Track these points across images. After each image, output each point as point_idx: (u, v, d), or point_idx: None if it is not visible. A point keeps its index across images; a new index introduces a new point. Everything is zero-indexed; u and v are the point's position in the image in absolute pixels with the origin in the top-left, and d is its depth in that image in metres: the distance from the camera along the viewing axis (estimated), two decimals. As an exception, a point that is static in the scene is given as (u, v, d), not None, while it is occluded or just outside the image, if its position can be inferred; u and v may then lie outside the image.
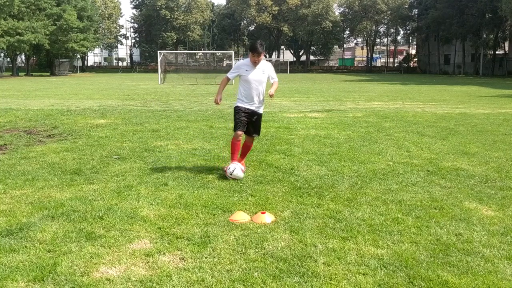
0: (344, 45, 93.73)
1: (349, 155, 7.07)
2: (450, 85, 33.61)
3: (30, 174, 5.80)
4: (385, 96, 21.13)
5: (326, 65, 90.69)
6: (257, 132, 6.00)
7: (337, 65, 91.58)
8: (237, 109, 5.80)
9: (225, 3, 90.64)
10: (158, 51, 41.10)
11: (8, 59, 64.86)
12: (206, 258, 3.38)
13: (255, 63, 5.68)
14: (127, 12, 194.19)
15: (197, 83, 34.60)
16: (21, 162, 6.53)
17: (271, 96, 5.71)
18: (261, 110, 5.94)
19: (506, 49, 63.06)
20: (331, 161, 6.67)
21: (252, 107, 5.80)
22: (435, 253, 3.49)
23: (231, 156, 5.84)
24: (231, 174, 5.52)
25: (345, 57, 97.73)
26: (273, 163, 6.48)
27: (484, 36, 60.51)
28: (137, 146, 7.75)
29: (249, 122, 5.80)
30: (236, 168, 5.53)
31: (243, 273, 3.13)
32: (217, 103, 5.94)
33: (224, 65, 78.00)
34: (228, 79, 5.94)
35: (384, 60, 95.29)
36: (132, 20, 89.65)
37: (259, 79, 5.75)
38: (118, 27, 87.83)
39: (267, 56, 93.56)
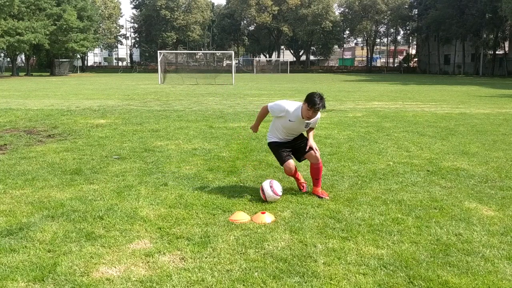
0: (344, 45, 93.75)
1: (349, 155, 7.07)
2: (450, 85, 33.61)
3: (30, 174, 5.80)
4: (385, 96, 21.13)
5: (326, 65, 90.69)
6: (306, 151, 5.01)
7: (337, 65, 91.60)
8: (273, 144, 5.11)
9: (225, 3, 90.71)
10: (158, 51, 41.10)
11: (8, 59, 64.86)
12: (206, 258, 3.38)
13: (307, 118, 4.78)
14: (127, 12, 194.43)
15: (197, 83, 34.60)
16: (21, 162, 6.53)
17: (311, 148, 5.02)
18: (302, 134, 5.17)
19: (506, 49, 63.03)
20: (331, 161, 6.67)
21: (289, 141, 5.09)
22: (435, 253, 3.49)
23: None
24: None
25: (345, 57, 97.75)
26: (273, 163, 6.48)
27: (484, 36, 60.51)
28: (137, 146, 7.75)
29: (293, 150, 5.08)
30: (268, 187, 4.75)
31: (243, 273, 3.13)
32: (254, 132, 5.41)
33: (224, 65, 78.01)
34: (267, 112, 5.11)
35: (384, 60, 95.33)
36: (132, 20, 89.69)
37: (298, 131, 5.04)
38: (118, 27, 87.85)
39: (267, 56, 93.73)
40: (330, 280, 3.05)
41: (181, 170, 6.06)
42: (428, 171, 6.09)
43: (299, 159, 5.16)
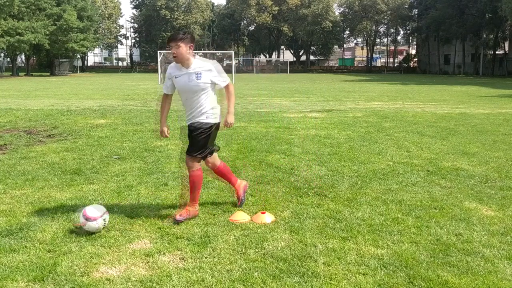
0: (344, 45, 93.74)
1: (349, 155, 7.07)
2: (450, 85, 33.61)
3: (30, 174, 5.80)
4: (385, 96, 21.13)
5: (326, 65, 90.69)
6: (192, 147, 4.16)
7: (337, 65, 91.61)
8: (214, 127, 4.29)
9: (225, 3, 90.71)
10: (158, 51, 41.07)
11: (8, 59, 64.86)
12: (206, 258, 3.38)
13: (174, 58, 4.04)
14: (127, 12, 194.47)
15: (197, 83, 34.54)
16: (21, 162, 6.53)
17: (226, 126, 4.28)
18: (201, 119, 4.12)
19: (506, 49, 63.05)
20: (331, 161, 6.67)
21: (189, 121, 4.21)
22: (435, 253, 3.49)
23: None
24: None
25: (345, 57, 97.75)
26: (273, 163, 6.48)
27: (484, 36, 60.51)
28: (137, 146, 7.75)
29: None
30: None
31: (243, 273, 3.13)
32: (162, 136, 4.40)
33: (224, 65, 77.99)
34: (167, 96, 4.30)
35: (384, 60, 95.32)
36: (132, 20, 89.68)
37: (191, 87, 4.06)
38: (118, 27, 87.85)
39: (267, 56, 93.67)
40: (330, 280, 3.05)
41: (181, 170, 6.05)
42: (428, 171, 6.09)
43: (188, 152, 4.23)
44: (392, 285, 3.00)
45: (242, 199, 4.54)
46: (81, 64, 78.68)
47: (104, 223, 3.81)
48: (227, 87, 4.19)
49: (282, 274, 3.13)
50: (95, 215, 3.76)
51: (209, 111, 4.14)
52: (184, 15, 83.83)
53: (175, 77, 4.12)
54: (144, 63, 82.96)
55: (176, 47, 3.95)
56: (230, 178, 4.56)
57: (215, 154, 4.45)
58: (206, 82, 4.06)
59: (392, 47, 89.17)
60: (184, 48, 3.96)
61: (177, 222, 4.04)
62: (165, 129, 4.33)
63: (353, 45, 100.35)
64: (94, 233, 3.75)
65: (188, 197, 4.29)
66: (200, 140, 4.13)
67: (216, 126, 4.26)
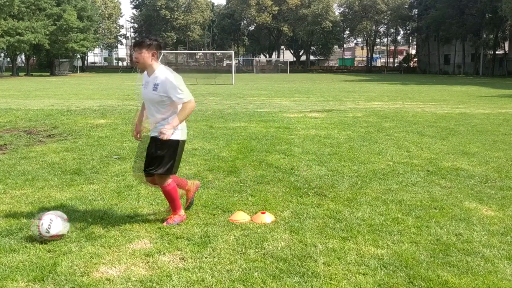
0: (344, 45, 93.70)
1: (349, 155, 7.07)
2: (450, 85, 33.61)
3: (30, 174, 5.80)
4: (385, 96, 21.13)
5: (326, 65, 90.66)
6: (151, 166, 3.94)
7: (337, 65, 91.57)
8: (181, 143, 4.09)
9: (225, 3, 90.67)
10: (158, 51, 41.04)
11: (8, 59, 64.86)
12: (206, 258, 3.38)
13: (137, 62, 3.94)
14: (127, 12, 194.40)
15: (197, 83, 34.59)
16: (21, 162, 6.53)
17: (159, 134, 3.85)
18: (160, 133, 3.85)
19: (506, 49, 63.03)
20: (331, 161, 6.66)
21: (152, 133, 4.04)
22: (435, 253, 3.49)
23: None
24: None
25: (345, 57, 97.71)
26: (273, 163, 6.48)
27: (484, 36, 60.49)
28: (137, 146, 7.74)
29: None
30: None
31: (243, 273, 3.13)
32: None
33: (224, 65, 78.06)
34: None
35: (384, 60, 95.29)
36: (132, 20, 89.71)
37: (149, 98, 3.95)
38: (118, 27, 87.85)
39: (267, 56, 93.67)
40: (330, 280, 3.05)
41: (181, 170, 6.05)
42: (428, 171, 6.09)
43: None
44: (392, 285, 3.00)
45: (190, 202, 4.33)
46: (81, 64, 78.67)
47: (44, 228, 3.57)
48: (184, 104, 3.87)
49: (282, 274, 3.13)
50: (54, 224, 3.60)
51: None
52: (184, 15, 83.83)
53: (142, 84, 4.05)
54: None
55: (138, 53, 3.83)
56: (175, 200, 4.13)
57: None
58: (162, 95, 3.84)
59: (392, 47, 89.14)
60: (146, 54, 3.83)
61: (170, 224, 4.00)
62: (137, 132, 4.27)
63: (353, 45, 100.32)
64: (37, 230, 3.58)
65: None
66: (164, 156, 3.89)
67: (180, 143, 4.00)
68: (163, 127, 3.83)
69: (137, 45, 3.86)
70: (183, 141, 4.05)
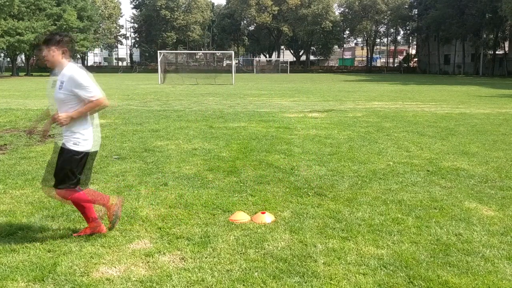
0: (344, 45, 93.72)
1: (349, 155, 7.07)
2: (450, 85, 33.61)
3: (30, 174, 5.80)
4: (385, 96, 21.13)
5: (326, 65, 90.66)
6: (55, 177, 3.61)
7: (337, 65, 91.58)
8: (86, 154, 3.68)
9: (225, 3, 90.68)
10: (158, 51, 41.10)
11: (8, 59, 64.85)
12: (206, 258, 3.38)
13: (45, 61, 3.58)
14: (127, 12, 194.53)
15: (197, 83, 34.60)
16: (21, 162, 6.53)
17: (55, 119, 3.56)
18: (66, 142, 3.55)
19: (506, 49, 63.04)
20: (331, 161, 6.67)
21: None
22: (435, 253, 3.49)
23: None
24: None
25: (345, 57, 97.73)
26: (273, 163, 6.48)
27: (484, 36, 60.49)
28: (137, 146, 7.75)
29: None
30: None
31: (243, 273, 3.13)
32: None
33: (224, 65, 78.06)
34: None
35: (384, 60, 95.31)
36: (132, 20, 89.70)
37: (56, 97, 3.56)
38: (118, 27, 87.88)
39: (267, 56, 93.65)
40: (330, 280, 3.05)
41: (181, 170, 6.05)
42: (428, 171, 6.09)
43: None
44: (392, 285, 3.00)
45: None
46: (81, 64, 78.47)
47: None
48: (92, 101, 3.48)
49: (282, 274, 3.13)
50: None
51: (77, 134, 3.55)
52: (184, 15, 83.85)
53: (51, 85, 3.65)
54: (144, 63, 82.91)
55: (47, 50, 3.48)
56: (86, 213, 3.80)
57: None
58: (67, 93, 3.46)
59: (392, 47, 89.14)
60: (56, 52, 3.48)
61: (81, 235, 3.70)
62: (42, 127, 3.84)
63: (353, 45, 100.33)
64: None
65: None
66: (65, 167, 3.54)
67: (86, 155, 3.61)
68: (62, 114, 3.47)
69: (45, 41, 3.50)
70: (94, 152, 3.69)
